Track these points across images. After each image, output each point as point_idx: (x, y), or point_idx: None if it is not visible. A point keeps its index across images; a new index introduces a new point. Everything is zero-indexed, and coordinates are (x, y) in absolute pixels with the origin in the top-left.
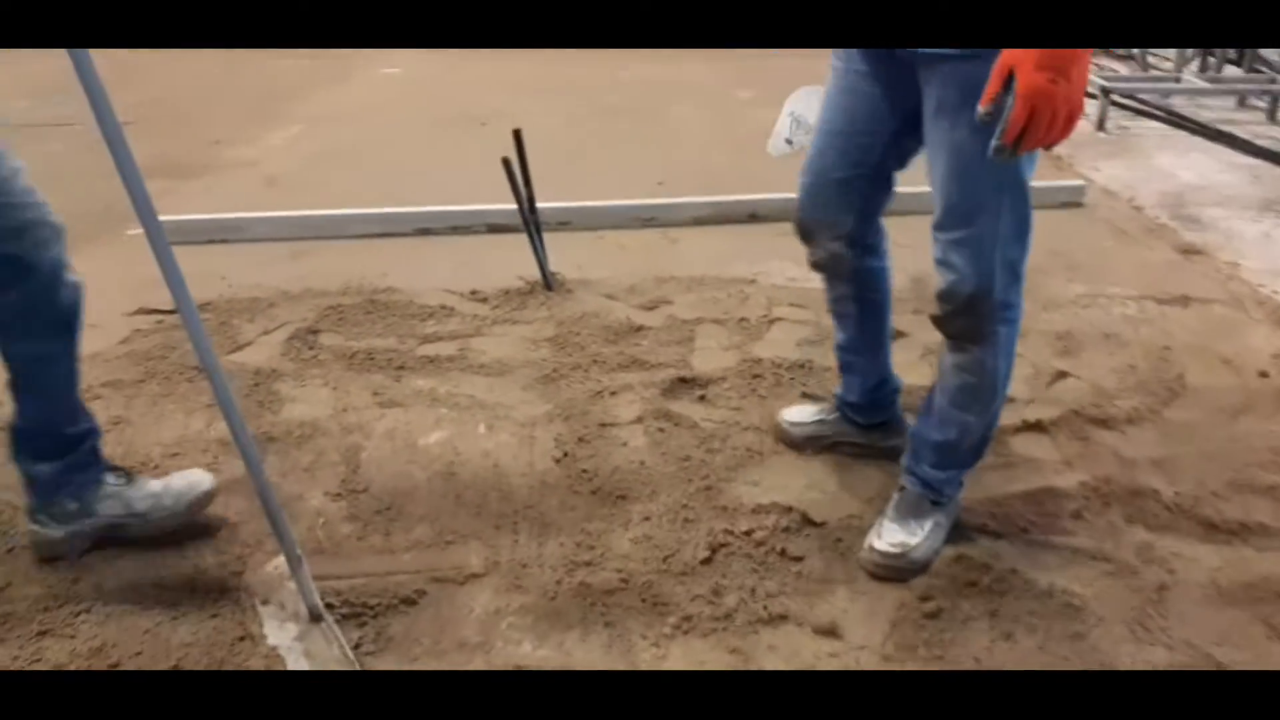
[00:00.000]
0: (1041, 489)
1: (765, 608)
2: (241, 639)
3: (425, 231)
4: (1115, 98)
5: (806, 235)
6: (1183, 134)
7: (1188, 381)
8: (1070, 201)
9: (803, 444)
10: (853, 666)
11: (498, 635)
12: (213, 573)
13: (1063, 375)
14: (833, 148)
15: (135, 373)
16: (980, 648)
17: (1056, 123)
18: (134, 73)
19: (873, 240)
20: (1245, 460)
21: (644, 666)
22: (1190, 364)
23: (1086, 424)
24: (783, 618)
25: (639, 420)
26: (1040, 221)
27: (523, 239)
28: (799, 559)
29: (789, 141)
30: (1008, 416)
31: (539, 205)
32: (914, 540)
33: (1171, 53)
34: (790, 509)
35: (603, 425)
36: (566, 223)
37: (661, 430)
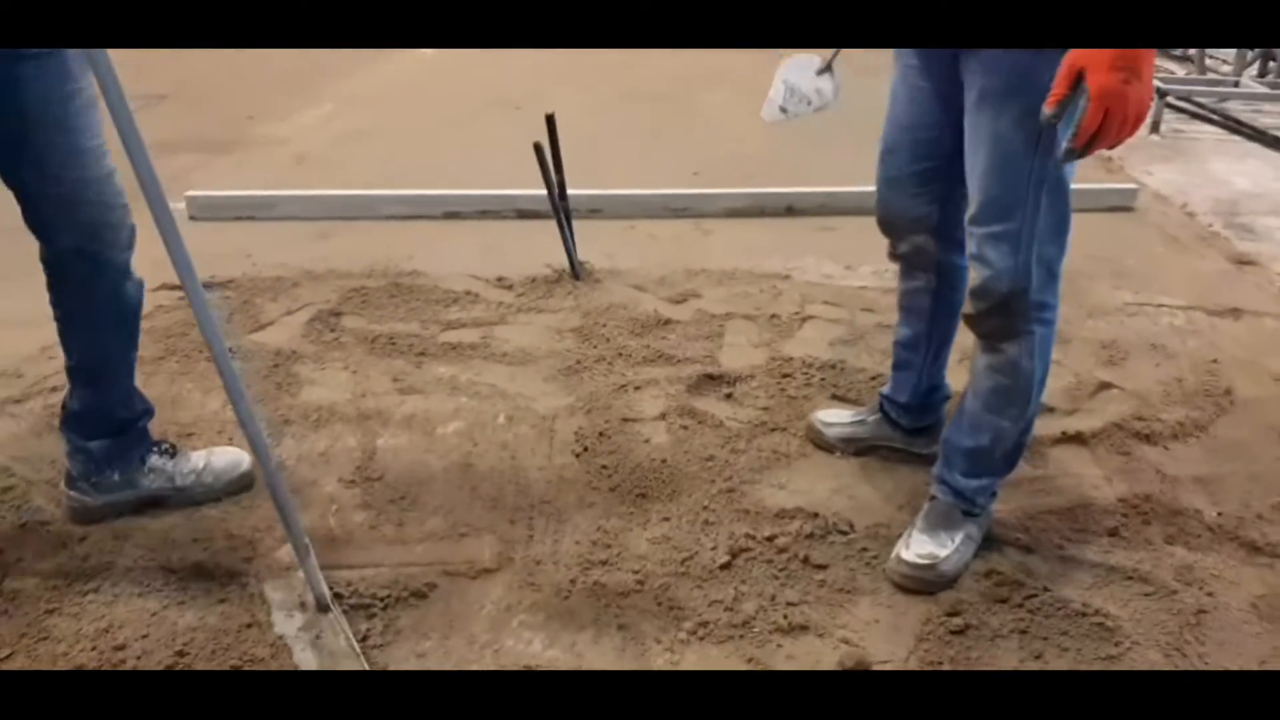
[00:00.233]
0: (1078, 504)
1: (785, 617)
2: (248, 626)
3: (453, 215)
4: (1171, 100)
5: (889, 228)
6: (1239, 139)
7: (1236, 397)
8: (1121, 206)
9: (836, 446)
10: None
11: (508, 633)
12: (223, 557)
13: (1106, 386)
14: (903, 143)
15: (155, 350)
16: (1008, 667)
17: (1127, 123)
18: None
19: (960, 235)
20: None
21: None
22: (1239, 379)
23: (1129, 438)
24: (803, 628)
25: (662, 416)
26: (1089, 225)
27: (552, 226)
28: (822, 567)
29: (783, 110)
30: (1046, 427)
31: (570, 192)
32: (943, 552)
33: (1231, 55)
34: (816, 515)
35: (625, 420)
36: (597, 210)
37: (685, 428)
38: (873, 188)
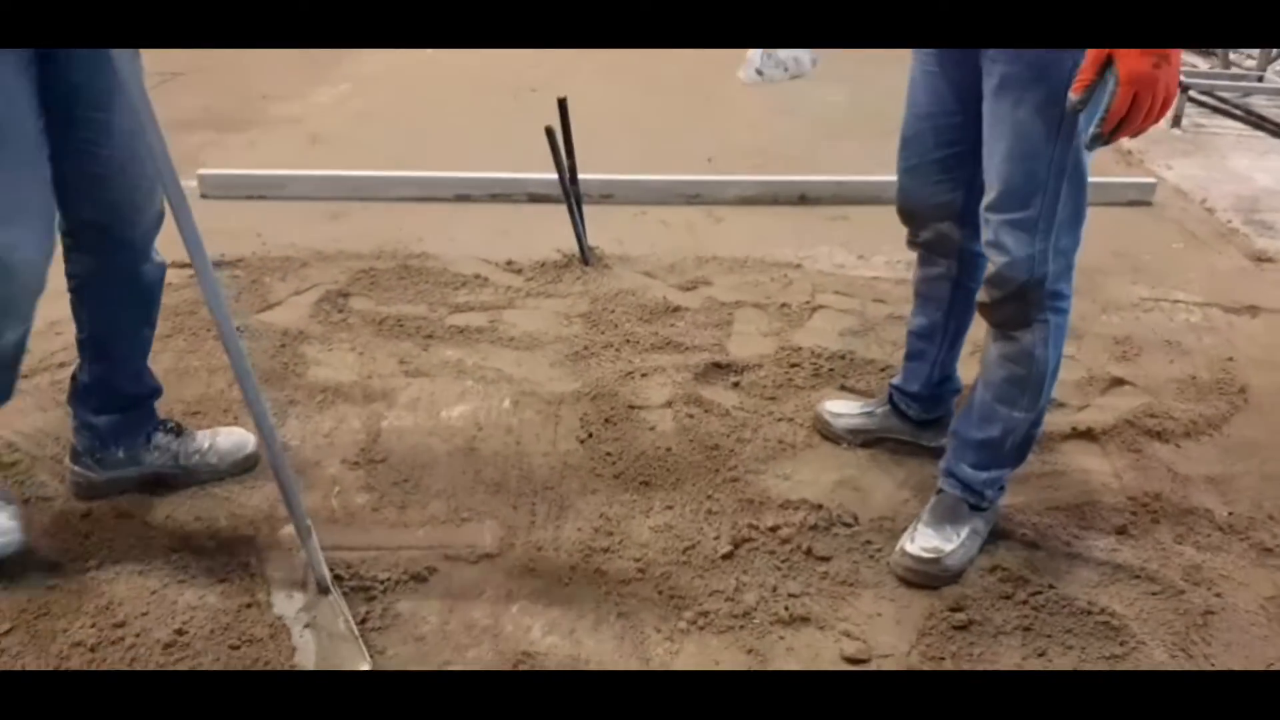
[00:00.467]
0: (1087, 501)
1: (786, 608)
2: (248, 605)
3: (464, 198)
4: (1194, 94)
5: (911, 216)
6: (1262, 135)
7: (1251, 396)
8: (1139, 200)
9: (843, 437)
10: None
11: (508, 619)
12: (224, 537)
13: (1119, 382)
14: (924, 130)
15: (163, 327)
16: (1011, 664)
17: (1155, 108)
18: None
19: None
20: None
21: (656, 661)
22: (1255, 378)
23: (1140, 435)
24: (804, 620)
25: (668, 404)
26: (1106, 219)
27: (563, 211)
28: (825, 559)
29: (759, 73)
30: (1056, 422)
31: (581, 177)
32: (949, 546)
33: (1256, 50)
34: (820, 506)
35: (631, 407)
36: (609, 196)
37: (691, 416)
38: (887, 177)
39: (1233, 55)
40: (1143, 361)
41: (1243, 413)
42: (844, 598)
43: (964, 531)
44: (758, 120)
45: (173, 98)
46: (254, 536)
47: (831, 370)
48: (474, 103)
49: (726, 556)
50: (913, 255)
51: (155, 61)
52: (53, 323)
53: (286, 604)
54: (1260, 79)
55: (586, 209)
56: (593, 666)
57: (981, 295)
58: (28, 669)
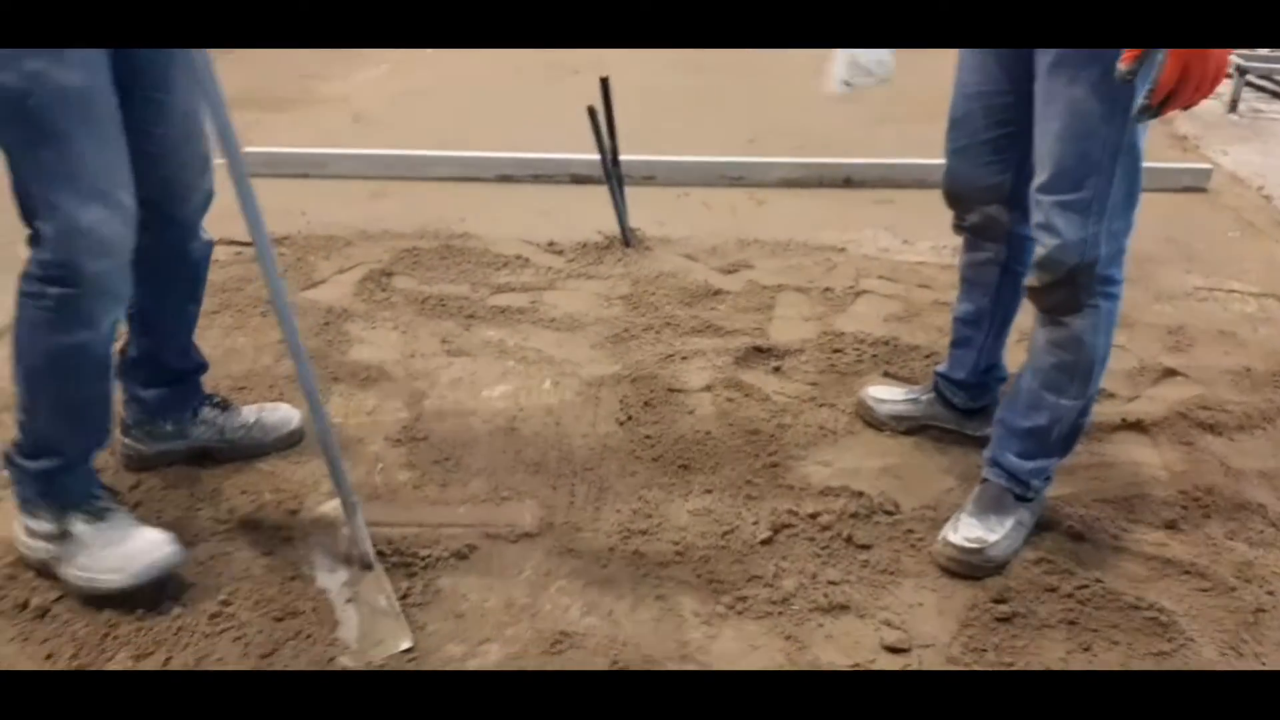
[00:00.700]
0: (1136, 494)
1: (826, 596)
2: (292, 579)
3: (506, 178)
4: (1251, 79)
5: (958, 199)
6: None
7: None
8: (1193, 186)
9: (886, 424)
10: (915, 666)
11: (546, 599)
12: (269, 510)
13: (1170, 373)
14: (974, 110)
15: (211, 303)
16: (1054, 658)
17: (1205, 82)
18: None
19: (1030, 204)
20: None
21: (693, 645)
22: None
23: (1192, 428)
24: (844, 608)
25: (708, 388)
26: (1159, 206)
27: (604, 192)
28: (866, 547)
29: (846, 83)
30: (1106, 413)
31: (623, 158)
32: (993, 537)
33: None
34: (861, 494)
35: (670, 390)
36: (650, 177)
37: (731, 400)
38: (933, 160)
39: None
40: (1196, 352)
41: None
42: (885, 586)
43: (1009, 522)
44: (802, 102)
45: (218, 75)
46: (298, 511)
47: (875, 356)
48: (516, 83)
49: (766, 542)
50: (959, 240)
51: None
52: None
53: (329, 578)
54: None
55: (628, 190)
56: (630, 649)
57: (1031, 280)
58: (76, 637)
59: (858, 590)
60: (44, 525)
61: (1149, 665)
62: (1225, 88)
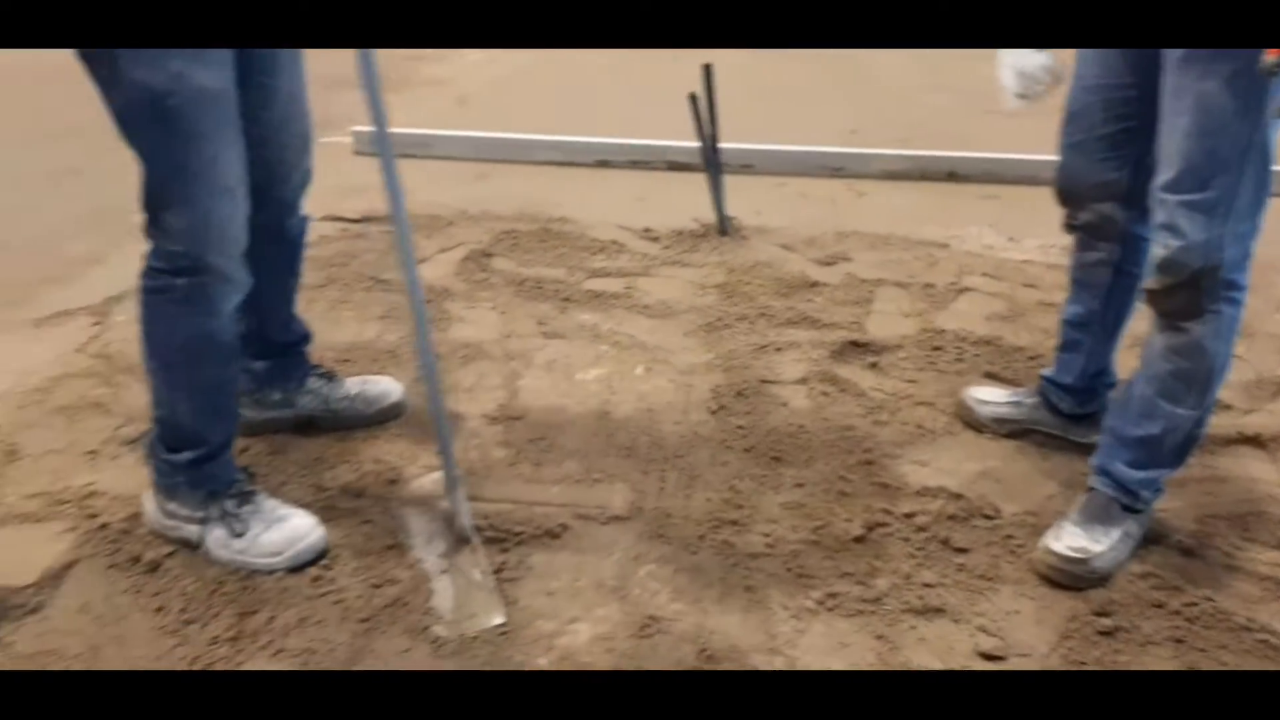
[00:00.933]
0: (1252, 512)
1: (920, 597)
2: (390, 548)
3: (604, 163)
4: None
5: (1070, 196)
6: None
7: None
8: None
9: (987, 426)
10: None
11: (635, 582)
12: (369, 480)
13: None
14: (1093, 104)
15: (317, 277)
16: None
17: None
18: None
19: (1148, 203)
20: None
21: (782, 638)
22: None
23: None
24: (938, 611)
25: (803, 381)
26: None
27: (701, 180)
28: (963, 550)
29: (1022, 96)
30: (1221, 425)
31: (722, 145)
32: (1097, 547)
33: None
34: (959, 496)
35: (764, 382)
36: (749, 166)
37: (825, 394)
38: (1042, 156)
39: None
40: None
41: None
42: (981, 592)
43: (1115, 533)
44: (906, 93)
45: (327, 58)
46: (396, 481)
47: (977, 356)
48: (616, 68)
49: (858, 540)
50: (1068, 239)
51: None
52: None
53: (426, 549)
54: None
55: (725, 179)
56: (718, 637)
57: (1150, 282)
58: (185, 592)
59: (953, 594)
60: (187, 509)
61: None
62: None
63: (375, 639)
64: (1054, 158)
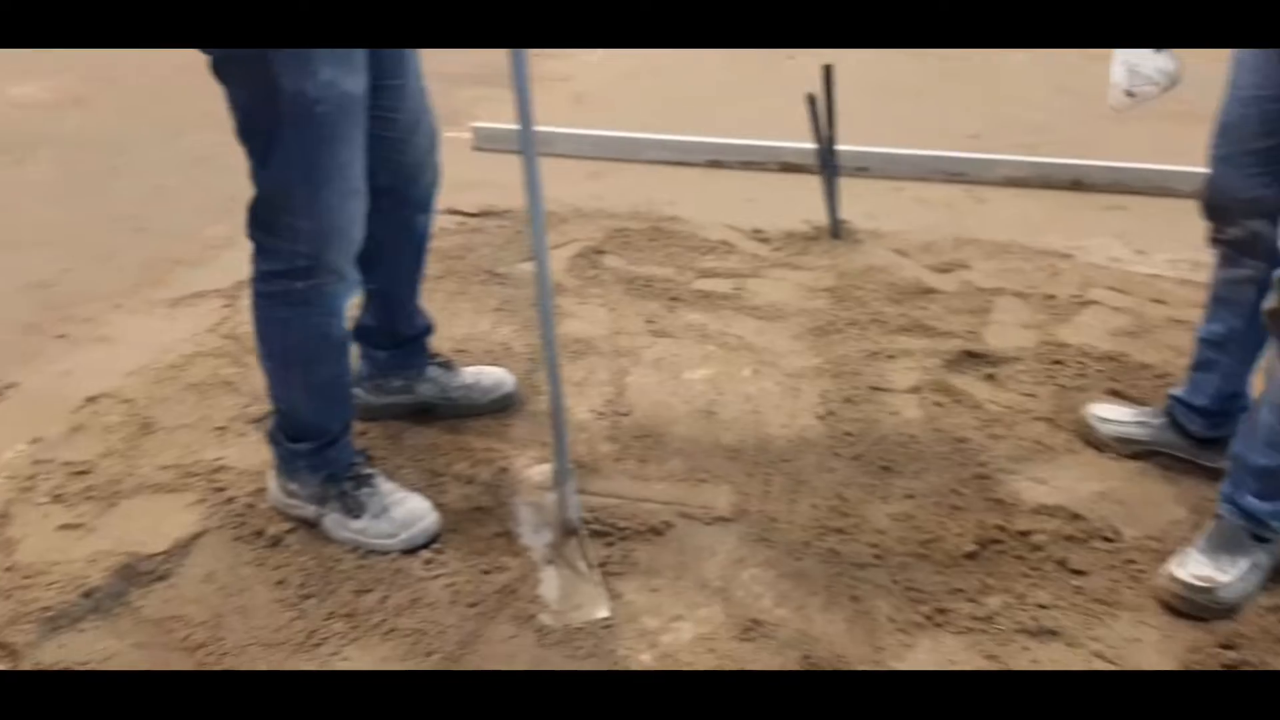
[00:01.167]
0: None
1: (1034, 619)
2: (499, 534)
3: (716, 163)
4: None
5: (1219, 211)
6: None
7: None
8: None
9: (1110, 445)
10: None
11: (738, 584)
12: (481, 469)
13: None
14: (1249, 115)
15: (435, 269)
16: None
17: None
18: None
19: None
20: None
21: (888, 652)
22: None
23: None
24: (1052, 633)
25: (915, 390)
26: None
27: (813, 181)
28: (1081, 573)
29: (1129, 94)
30: None
31: (836, 147)
32: (1224, 578)
33: None
34: (1078, 516)
35: (874, 389)
36: (864, 169)
37: (939, 405)
38: (1174, 166)
39: None
40: None
41: None
42: (1099, 616)
43: (1243, 563)
44: (1031, 97)
45: (447, 55)
46: (507, 470)
47: (1100, 372)
48: (730, 67)
49: (970, 556)
50: (1201, 254)
51: None
52: None
53: (534, 537)
54: None
55: (839, 181)
56: (822, 645)
57: (1272, 301)
58: (304, 568)
59: (1069, 617)
60: (307, 490)
61: None
62: None
63: (483, 623)
64: (1185, 168)
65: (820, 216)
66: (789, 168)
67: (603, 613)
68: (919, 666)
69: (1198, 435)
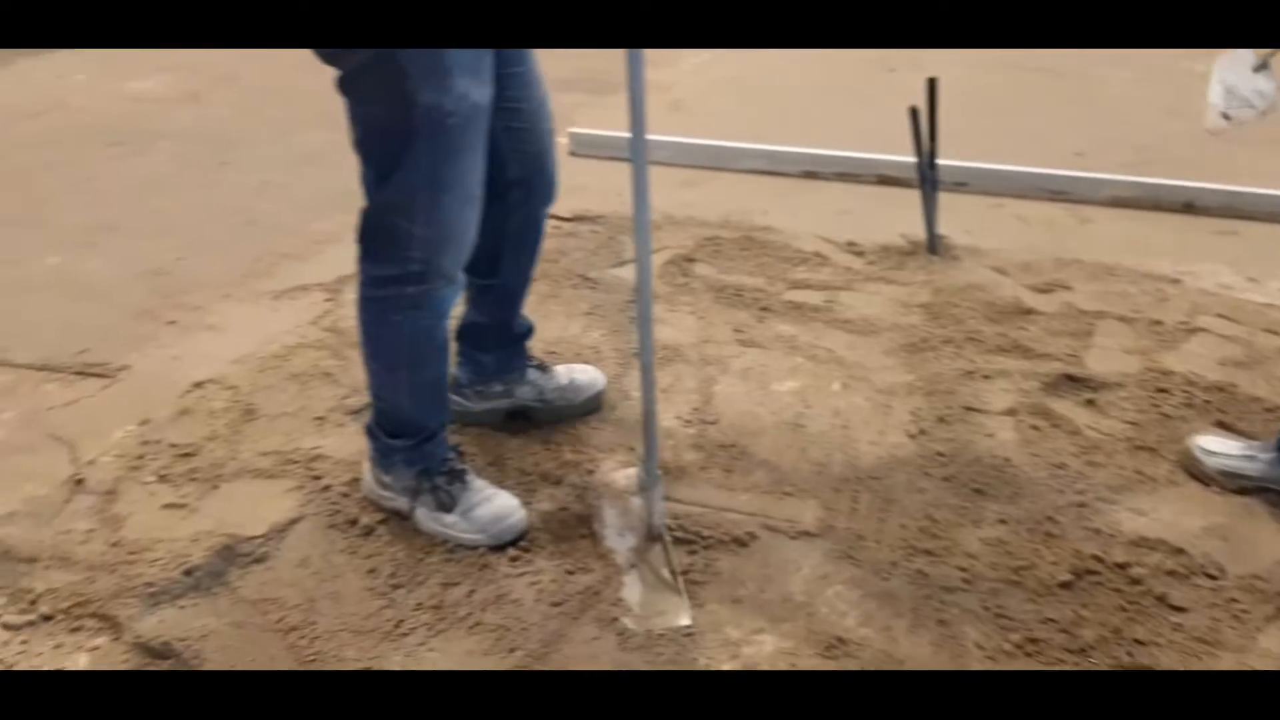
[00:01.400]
0: None
1: (1130, 654)
2: (584, 536)
3: (811, 175)
4: None
5: None
6: None
7: None
8: None
9: (1215, 479)
10: None
11: (822, 601)
12: (569, 470)
13: None
14: None
15: None
16: None
17: None
18: None
19: None
20: None
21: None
22: None
23: None
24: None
25: (1011, 412)
26: None
27: (911, 195)
28: (1181, 610)
29: (1225, 116)
30: None
31: (937, 162)
32: None
33: None
34: (1180, 551)
35: (968, 409)
36: (963, 184)
37: (1036, 429)
38: None
39: None
40: None
41: None
42: (1198, 655)
43: None
44: (1140, 115)
45: (550, 57)
46: (594, 472)
47: (1207, 402)
48: (829, 78)
49: (1064, 585)
50: None
51: None
52: None
53: (618, 541)
54: None
55: (938, 196)
56: (908, 668)
57: None
58: (395, 558)
59: (1167, 654)
60: (401, 483)
61: None
62: None
63: (566, 624)
64: None
65: (917, 231)
66: (886, 180)
67: (685, 620)
68: None
69: None
